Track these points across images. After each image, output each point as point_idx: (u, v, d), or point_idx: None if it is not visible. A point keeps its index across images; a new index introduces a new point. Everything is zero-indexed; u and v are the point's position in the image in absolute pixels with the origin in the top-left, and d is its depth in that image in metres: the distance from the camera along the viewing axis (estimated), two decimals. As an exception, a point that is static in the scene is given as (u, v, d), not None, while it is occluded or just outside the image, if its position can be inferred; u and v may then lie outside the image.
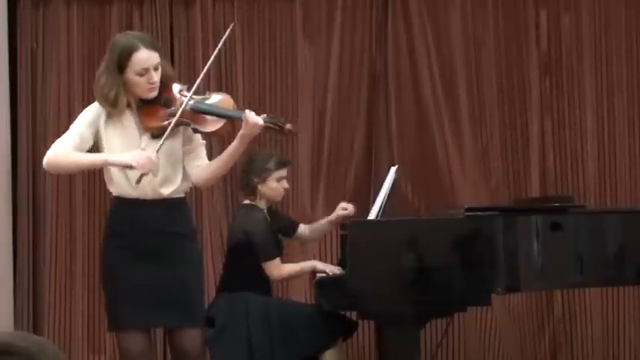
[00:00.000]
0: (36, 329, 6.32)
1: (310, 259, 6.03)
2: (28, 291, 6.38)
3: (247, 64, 6.46)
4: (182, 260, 4.36)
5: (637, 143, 6.55)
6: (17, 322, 6.30)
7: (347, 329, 5.53)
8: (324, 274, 5.44)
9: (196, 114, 4.35)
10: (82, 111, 6.38)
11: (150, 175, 4.28)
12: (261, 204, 5.52)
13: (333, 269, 5.48)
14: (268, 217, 5.50)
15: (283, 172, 5.50)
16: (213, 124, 4.36)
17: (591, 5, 6.57)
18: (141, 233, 4.29)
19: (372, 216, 5.39)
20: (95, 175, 6.46)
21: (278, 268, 5.43)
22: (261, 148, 5.83)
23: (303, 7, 6.51)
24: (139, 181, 4.25)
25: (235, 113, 4.37)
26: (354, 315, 5.53)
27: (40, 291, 6.39)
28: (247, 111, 4.36)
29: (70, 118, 6.42)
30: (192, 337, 4.39)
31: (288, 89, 6.46)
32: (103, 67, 4.35)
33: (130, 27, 6.46)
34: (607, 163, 6.54)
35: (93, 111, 4.40)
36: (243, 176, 5.46)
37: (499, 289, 4.99)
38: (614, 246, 5.12)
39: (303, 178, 6.46)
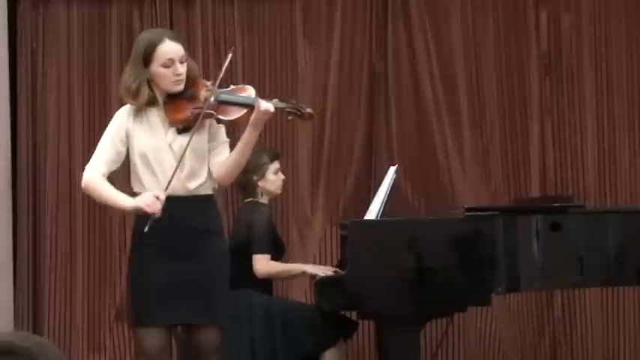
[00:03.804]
0: (36, 329, 6.32)
1: (309, 261, 6.04)
2: (28, 291, 6.38)
3: (247, 64, 6.46)
4: (208, 257, 4.37)
5: (637, 143, 6.55)
6: (17, 322, 6.29)
7: (347, 329, 5.54)
8: (323, 274, 5.44)
9: (220, 105, 4.42)
10: (81, 111, 6.48)
11: (178, 169, 4.30)
12: (264, 200, 5.57)
13: (325, 271, 5.47)
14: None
15: (278, 164, 5.66)
16: (235, 113, 4.42)
17: (591, 5, 6.57)
18: (168, 230, 4.29)
19: (371, 215, 5.39)
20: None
21: (264, 264, 5.45)
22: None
23: (303, 7, 6.50)
24: (149, 227, 4.23)
25: (251, 100, 4.43)
26: (354, 315, 5.53)
27: (40, 291, 6.39)
28: (259, 98, 4.42)
29: (70, 118, 6.47)
30: (211, 335, 4.38)
31: (288, 89, 6.46)
32: (128, 64, 4.41)
33: (130, 27, 6.46)
34: (607, 163, 6.54)
35: (119, 116, 4.46)
36: (241, 177, 5.47)
37: (499, 289, 5.00)
38: (614, 246, 5.13)
39: (303, 179, 6.46)
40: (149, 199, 4.25)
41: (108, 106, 6.46)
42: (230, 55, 4.51)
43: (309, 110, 4.60)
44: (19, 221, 6.40)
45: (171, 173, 4.31)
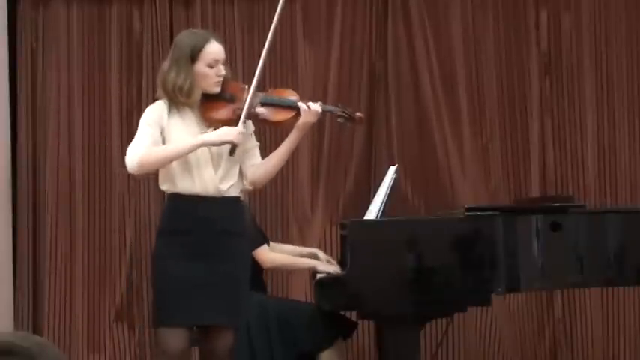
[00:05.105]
0: (36, 329, 6.32)
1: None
2: (28, 291, 6.39)
3: (247, 64, 6.46)
4: (234, 259, 4.36)
5: (637, 143, 6.55)
6: (17, 322, 6.30)
7: (347, 329, 5.53)
8: (324, 274, 5.43)
9: (265, 106, 4.42)
10: (81, 111, 6.48)
11: (213, 170, 4.33)
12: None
13: (336, 269, 5.46)
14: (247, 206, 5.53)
15: None
16: (282, 114, 4.43)
17: (591, 5, 6.57)
18: (197, 231, 4.28)
19: (371, 215, 5.39)
20: (95, 175, 6.47)
21: (267, 254, 5.42)
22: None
23: (303, 6, 6.51)
24: (232, 152, 4.31)
25: (295, 102, 4.44)
26: (354, 315, 5.53)
27: (40, 291, 6.39)
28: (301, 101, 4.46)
29: (70, 118, 6.47)
30: (228, 337, 4.38)
31: (288, 88, 6.44)
32: (169, 62, 4.35)
33: (130, 27, 6.47)
34: (607, 163, 6.54)
35: (156, 110, 4.37)
36: None
37: (499, 289, 4.99)
38: (614, 246, 5.13)
39: (302, 178, 6.46)
40: (233, 132, 4.29)
41: (108, 106, 6.48)
42: (262, 61, 4.51)
43: (359, 114, 4.61)
44: (19, 221, 6.40)
45: (208, 175, 4.31)
